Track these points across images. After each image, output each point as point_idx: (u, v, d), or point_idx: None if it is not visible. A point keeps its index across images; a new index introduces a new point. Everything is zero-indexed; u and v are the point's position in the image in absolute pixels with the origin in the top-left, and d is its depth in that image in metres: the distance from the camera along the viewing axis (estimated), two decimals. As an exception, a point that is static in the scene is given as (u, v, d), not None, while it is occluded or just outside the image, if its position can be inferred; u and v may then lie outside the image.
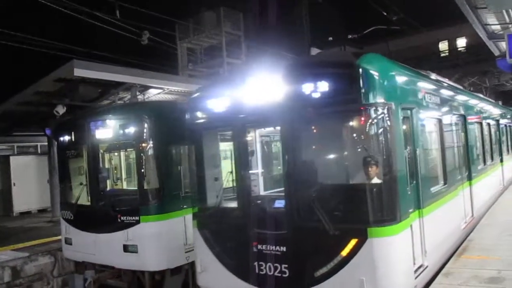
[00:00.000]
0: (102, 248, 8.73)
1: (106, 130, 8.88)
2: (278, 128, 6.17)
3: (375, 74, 5.51)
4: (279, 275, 5.94)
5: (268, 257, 6.03)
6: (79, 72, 13.62)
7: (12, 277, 10.65)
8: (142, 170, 8.52)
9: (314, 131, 6.48)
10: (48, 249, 11.60)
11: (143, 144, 8.42)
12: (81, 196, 9.53)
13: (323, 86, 5.59)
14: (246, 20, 20.82)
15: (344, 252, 5.52)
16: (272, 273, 6.00)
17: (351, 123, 6.11)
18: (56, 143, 11.11)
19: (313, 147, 6.63)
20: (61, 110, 15.72)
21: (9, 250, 11.86)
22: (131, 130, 8.53)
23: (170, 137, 8.43)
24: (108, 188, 9.73)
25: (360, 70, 5.44)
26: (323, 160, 6.78)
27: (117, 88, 15.88)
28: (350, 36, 17.51)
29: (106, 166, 10.08)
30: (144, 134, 8.36)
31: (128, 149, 9.91)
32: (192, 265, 8.32)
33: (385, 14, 17.38)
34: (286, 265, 5.91)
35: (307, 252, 5.79)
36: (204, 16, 20.38)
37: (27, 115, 17.10)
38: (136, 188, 8.80)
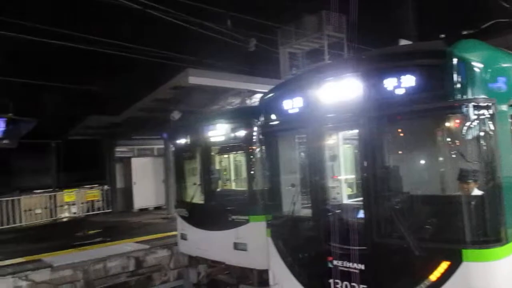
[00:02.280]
0: (214, 244, 8.82)
1: (218, 133, 9.01)
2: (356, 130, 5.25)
3: (474, 64, 4.33)
4: (357, 296, 5.04)
5: (345, 274, 5.15)
6: (193, 80, 14.14)
7: (135, 267, 11.20)
8: (252, 172, 8.51)
9: (398, 133, 5.40)
10: (165, 243, 11.97)
11: (252, 147, 8.38)
12: (195, 195, 9.77)
13: (408, 80, 4.58)
14: (349, 21, 19.66)
15: (433, 277, 4.43)
16: (349, 293, 5.11)
17: (443, 124, 4.95)
18: (172, 146, 11.55)
19: (397, 151, 5.55)
20: (176, 115, 16.44)
21: (133, 242, 12.50)
22: (241, 133, 8.53)
23: None
24: (219, 189, 9.92)
25: (454, 59, 4.32)
26: (409, 167, 5.65)
27: (227, 93, 16.14)
28: (465, 32, 15.44)
29: (218, 167, 10.27)
30: (253, 137, 8.31)
31: (238, 152, 9.97)
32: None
33: (506, 6, 15.04)
34: (365, 286, 4.98)
35: (389, 272, 4.80)
36: (306, 20, 19.77)
37: (146, 120, 18.12)
38: (246, 189, 8.85)
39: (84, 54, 20.25)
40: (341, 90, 5.18)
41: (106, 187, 20.55)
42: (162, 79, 16.22)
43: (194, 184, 9.93)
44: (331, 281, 5.27)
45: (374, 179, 4.95)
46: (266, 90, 6.73)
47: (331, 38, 19.87)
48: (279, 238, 6.02)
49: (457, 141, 4.53)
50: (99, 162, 22.22)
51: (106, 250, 11.59)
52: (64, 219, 18.95)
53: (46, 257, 10.78)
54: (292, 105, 5.72)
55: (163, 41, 20.78)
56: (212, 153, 9.80)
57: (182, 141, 10.19)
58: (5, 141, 13.14)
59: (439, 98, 4.38)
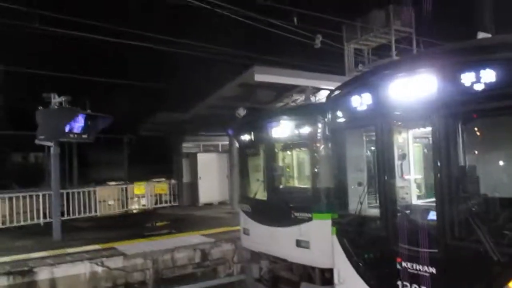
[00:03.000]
0: (276, 241, 8.80)
1: (282, 130, 8.99)
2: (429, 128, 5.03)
3: None
4: (427, 300, 4.84)
5: (414, 277, 4.97)
6: (259, 77, 14.30)
7: (201, 259, 11.55)
8: (316, 169, 8.41)
9: (475, 132, 5.10)
10: (230, 237, 12.21)
11: (317, 144, 8.25)
12: (258, 191, 9.84)
13: (487, 75, 4.31)
14: (418, 15, 18.87)
15: (512, 284, 4.17)
16: (418, 296, 4.93)
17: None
18: (237, 142, 11.58)
19: (475, 151, 5.24)
20: (242, 112, 16.67)
21: (199, 235, 12.92)
22: (306, 130, 8.43)
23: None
24: (282, 185, 9.90)
25: (540, 53, 4.02)
26: (487, 168, 5.32)
27: (291, 90, 16.14)
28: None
29: (281, 164, 10.23)
30: (318, 134, 8.17)
31: (301, 149, 9.82)
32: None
33: None
34: (436, 290, 4.78)
35: (462, 277, 4.56)
36: (372, 15, 19.18)
37: (212, 117, 18.55)
38: (309, 186, 8.78)
39: (155, 54, 21.14)
40: (413, 86, 4.98)
41: (173, 181, 21.29)
42: (229, 77, 16.54)
43: (258, 180, 9.97)
44: (399, 283, 5.10)
45: (448, 179, 4.72)
46: (331, 87, 6.63)
47: (398, 33, 19.17)
48: (344, 236, 5.93)
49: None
50: (167, 157, 23.06)
51: (173, 241, 12.03)
52: (134, 211, 19.89)
53: (119, 246, 11.40)
54: (361, 101, 5.59)
55: (230, 39, 21.17)
56: (276, 150, 9.75)
57: (246, 137, 10.23)
58: (84, 136, 14.01)
59: (522, 95, 4.08)
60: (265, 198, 9.47)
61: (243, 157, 10.75)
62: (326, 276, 7.84)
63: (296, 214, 8.31)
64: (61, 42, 21.55)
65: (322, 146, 8.09)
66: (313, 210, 8.01)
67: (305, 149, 9.39)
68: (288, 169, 10.68)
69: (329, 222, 7.42)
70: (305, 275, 8.40)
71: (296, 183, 10.51)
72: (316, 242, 7.89)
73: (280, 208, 8.79)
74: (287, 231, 8.44)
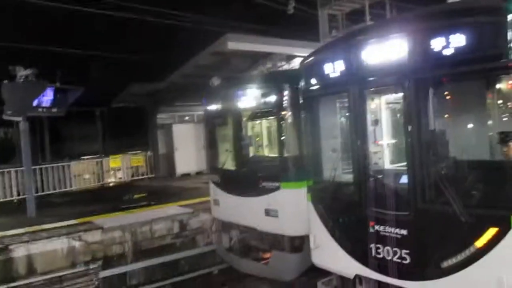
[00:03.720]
0: (245, 211, 8.84)
1: (249, 98, 8.84)
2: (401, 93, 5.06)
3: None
4: (399, 261, 4.99)
5: (386, 240, 5.11)
6: (232, 45, 14.01)
7: (180, 229, 11.45)
8: (282, 138, 8.33)
9: (445, 96, 5.17)
10: (207, 207, 12.07)
11: (284, 112, 8.14)
12: (227, 161, 9.74)
13: (457, 40, 4.33)
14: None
15: (480, 243, 4.33)
16: (390, 258, 5.07)
17: (494, 86, 4.69)
18: (204, 111, 11.26)
19: (444, 115, 5.33)
20: (216, 81, 16.43)
21: (176, 206, 12.85)
22: (272, 98, 8.28)
23: None
24: (251, 155, 9.81)
25: (510, 16, 4.04)
26: (456, 132, 5.43)
27: (266, 58, 15.93)
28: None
29: (249, 133, 10.12)
30: (285, 102, 8.05)
31: (269, 118, 9.70)
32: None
33: None
34: (407, 251, 4.93)
35: (433, 238, 4.71)
36: (346, -21, 18.91)
37: (187, 87, 18.23)
38: (277, 155, 8.70)
39: (125, 23, 20.50)
40: (385, 51, 4.98)
41: (149, 153, 21.09)
42: (204, 46, 16.20)
43: (226, 150, 9.84)
44: (372, 245, 5.25)
45: (418, 144, 4.81)
46: (306, 54, 6.55)
47: (373, -3, 18.96)
48: (320, 202, 6.02)
49: (509, 104, 4.30)
50: (142, 129, 22.73)
51: (151, 213, 12.00)
52: (111, 184, 19.71)
53: (96, 220, 11.32)
54: (333, 68, 5.58)
55: (203, 7, 20.65)
56: (244, 119, 9.61)
57: (213, 106, 10.05)
58: (54, 110, 13.62)
59: (493, 58, 4.13)
60: (234, 168, 9.40)
61: (211, 127, 10.57)
62: (296, 243, 7.98)
63: (264, 183, 8.31)
64: (29, 13, 20.63)
65: (289, 114, 8.01)
66: (281, 179, 8.02)
67: (272, 117, 9.26)
68: (256, 138, 10.62)
69: (297, 191, 7.61)
70: (275, 243, 8.47)
71: (264, 153, 10.48)
72: (285, 210, 7.97)
73: (249, 178, 8.78)
74: (256, 200, 8.45)
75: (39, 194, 15.59)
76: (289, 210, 7.93)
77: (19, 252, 9.27)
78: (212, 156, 10.74)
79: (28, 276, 9.23)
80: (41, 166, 17.01)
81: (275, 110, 8.47)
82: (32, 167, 13.54)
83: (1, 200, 15.14)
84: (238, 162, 9.29)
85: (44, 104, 13.22)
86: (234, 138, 9.41)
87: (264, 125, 10.62)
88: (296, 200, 7.81)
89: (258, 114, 9.64)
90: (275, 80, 8.78)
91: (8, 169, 15.52)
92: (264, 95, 8.46)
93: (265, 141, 10.73)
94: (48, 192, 16.62)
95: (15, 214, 13.01)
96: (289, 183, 7.89)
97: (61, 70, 17.78)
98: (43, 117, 20.61)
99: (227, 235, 9.59)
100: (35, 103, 12.88)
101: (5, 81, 12.55)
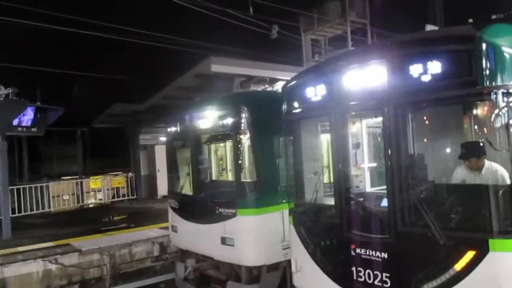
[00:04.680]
0: (201, 238, 8.47)
1: (206, 121, 8.55)
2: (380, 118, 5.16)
3: (504, 49, 4.18)
4: (379, 284, 5.00)
5: (367, 263, 5.12)
6: (215, 68, 14.12)
7: (160, 252, 11.45)
8: (240, 162, 8.11)
9: (424, 121, 5.29)
10: None
11: (241, 136, 7.96)
12: (185, 186, 9.37)
13: (435, 66, 4.46)
14: (373, 6, 19.30)
15: (458, 266, 4.36)
16: (371, 281, 5.06)
17: (471, 111, 4.83)
18: (164, 134, 11.09)
19: (423, 139, 5.44)
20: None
21: (157, 228, 12.74)
22: (229, 121, 8.05)
23: (269, 128, 7.72)
24: (208, 179, 9.42)
25: (483, 44, 4.18)
26: (434, 156, 5.55)
27: (249, 81, 16.08)
28: (494, 17, 14.82)
29: (207, 157, 9.74)
30: (242, 125, 7.85)
31: (227, 141, 9.45)
32: (290, 262, 7.54)
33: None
34: (388, 274, 4.93)
35: (413, 261, 4.73)
36: (329, 6, 19.44)
37: (168, 108, 18.21)
38: (233, 180, 8.41)
39: (108, 44, 20.54)
40: (365, 77, 5.09)
41: (130, 174, 20.88)
42: (186, 67, 16.29)
43: (185, 174, 9.45)
44: (353, 269, 5.25)
45: (398, 167, 4.87)
46: (288, 78, 6.63)
47: (354, 24, 19.54)
48: (301, 225, 6.01)
49: (485, 129, 4.42)
50: (124, 149, 22.54)
51: (131, 235, 11.84)
52: (91, 205, 19.41)
53: (74, 242, 11.09)
54: (315, 92, 5.66)
55: (186, 29, 20.86)
56: (201, 142, 9.30)
57: (172, 129, 9.75)
58: (33, 129, 13.45)
59: (468, 85, 4.26)
60: (191, 193, 9.03)
61: (171, 150, 10.26)
62: (253, 274, 7.75)
63: (221, 210, 8.00)
64: (12, 32, 20.56)
65: (246, 138, 7.84)
66: (237, 206, 7.74)
67: (228, 141, 9.00)
68: (215, 162, 10.35)
69: (255, 218, 7.56)
70: (232, 273, 8.15)
71: (222, 177, 10.18)
72: (241, 239, 7.69)
73: (205, 204, 8.44)
74: (212, 227, 8.13)
75: (16, 215, 15.22)
76: (246, 238, 7.66)
77: (-8, 275, 8.99)
78: (171, 180, 10.40)
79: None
80: (18, 186, 16.67)
81: (231, 133, 8.24)
82: (9, 187, 13.24)
83: (-24, 221, 14.69)
84: (195, 187, 8.91)
85: (24, 124, 13.06)
86: (192, 162, 9.01)
87: (222, 149, 10.35)
88: (253, 228, 7.66)
89: (216, 137, 9.37)
90: (231, 103, 8.56)
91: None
92: (220, 117, 8.23)
93: (223, 166, 10.43)
94: (25, 213, 16.25)
95: (-11, 236, 12.65)
96: (246, 210, 7.64)
97: (41, 90, 17.64)
98: (22, 136, 20.31)
99: (182, 264, 9.03)
100: (14, 122, 12.70)
101: (-16, 100, 12.38)
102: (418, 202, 4.74)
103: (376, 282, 5.03)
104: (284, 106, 6.17)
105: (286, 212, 7.28)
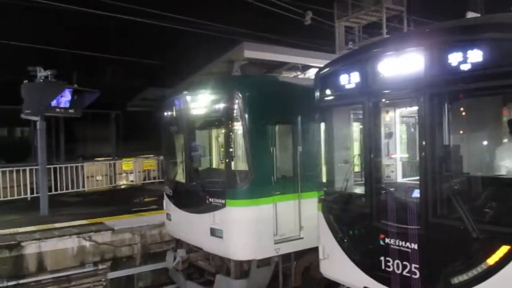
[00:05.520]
0: (192, 228, 8.15)
1: (198, 106, 8.13)
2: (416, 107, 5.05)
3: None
4: (408, 275, 4.95)
5: (396, 253, 5.08)
6: (248, 54, 14.08)
7: None
8: (231, 150, 7.65)
9: (461, 111, 5.15)
10: None
11: (233, 122, 7.53)
12: (179, 173, 9.00)
13: (475, 55, 4.32)
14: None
15: (491, 260, 4.27)
16: (400, 271, 5.03)
17: (511, 102, 4.67)
18: (159, 118, 10.26)
19: (459, 130, 5.30)
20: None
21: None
22: (221, 106, 7.64)
23: (264, 115, 7.47)
24: (201, 167, 9.01)
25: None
26: (471, 147, 5.40)
27: (281, 67, 15.99)
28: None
29: (201, 144, 9.18)
30: (234, 111, 7.41)
31: (219, 128, 8.79)
32: (282, 258, 7.60)
33: None
34: (417, 266, 4.89)
35: (444, 254, 4.67)
36: (364, -8, 19.03)
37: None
38: (223, 169, 8.03)
39: (144, 28, 20.79)
40: (401, 65, 4.98)
41: (161, 157, 21.21)
42: (217, 53, 16.33)
43: (179, 161, 9.10)
44: (381, 258, 5.22)
45: (432, 158, 4.78)
46: (321, 65, 6.53)
47: (390, 11, 19.03)
48: (330, 213, 6.00)
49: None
50: (155, 133, 22.87)
51: (161, 217, 12.05)
52: (122, 186, 19.87)
53: (107, 221, 11.42)
54: (348, 79, 5.59)
55: (220, 15, 20.86)
56: (195, 128, 8.80)
57: (168, 113, 9.32)
58: (70, 111, 13.84)
59: (508, 75, 4.11)
60: (184, 181, 8.64)
61: (166, 136, 9.73)
62: (242, 268, 7.40)
63: (211, 199, 7.62)
64: (50, 15, 21.07)
65: (240, 124, 7.40)
66: (227, 196, 7.32)
67: (220, 127, 8.46)
68: (208, 150, 9.85)
69: (245, 209, 7.19)
70: (223, 266, 7.78)
71: (214, 166, 9.65)
72: (230, 231, 7.30)
73: (196, 193, 8.05)
74: (202, 217, 7.76)
75: (52, 193, 15.78)
76: (235, 230, 7.28)
77: (30, 249, 9.40)
78: (166, 166, 10.04)
79: (38, 273, 9.34)
80: (55, 165, 17.24)
81: (223, 119, 7.81)
82: (46, 167, 13.73)
83: (16, 197, 15.36)
84: (188, 175, 8.52)
85: (62, 105, 13.45)
86: (185, 148, 8.64)
87: (215, 136, 9.77)
88: (242, 220, 7.27)
89: (209, 123, 8.80)
90: (224, 87, 8.09)
91: (23, 167, 15.76)
92: (213, 102, 7.83)
93: (215, 153, 9.82)
94: (61, 192, 16.83)
95: (28, 211, 13.21)
96: (235, 201, 7.26)
97: (78, 73, 18.08)
98: (59, 117, 20.92)
99: (172, 253, 8.71)
100: (53, 103, 13.10)
101: (25, 81, 12.81)
102: (452, 193, 4.65)
103: (404, 273, 4.98)
104: (317, 93, 6.11)
105: (280, 204, 7.25)
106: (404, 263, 4.99)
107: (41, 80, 12.82)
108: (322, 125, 6.21)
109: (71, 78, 16.30)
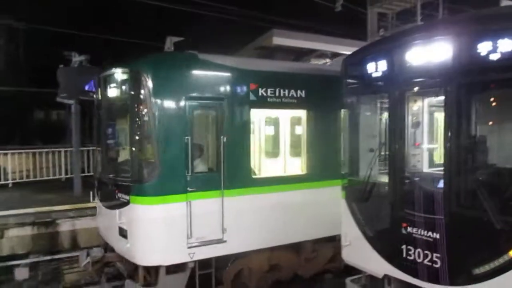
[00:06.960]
0: (107, 225, 7.31)
1: (110, 87, 7.32)
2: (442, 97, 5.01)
3: None
4: (429, 264, 4.98)
5: (418, 242, 5.11)
6: (277, 41, 14.06)
7: None
8: (137, 138, 6.66)
9: (489, 102, 5.07)
10: None
11: (138, 106, 6.52)
12: (99, 163, 8.06)
13: (505, 45, 4.26)
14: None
15: (514, 252, 4.28)
16: (421, 260, 5.06)
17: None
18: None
19: (486, 121, 5.23)
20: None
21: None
22: (126, 87, 6.83)
23: (177, 98, 6.45)
24: (117, 157, 7.86)
25: None
26: (498, 139, 5.32)
27: (309, 55, 15.90)
28: None
29: (122, 131, 7.79)
30: (139, 93, 6.40)
31: (126, 112, 7.36)
32: (199, 264, 6.80)
33: None
34: (439, 255, 4.91)
35: (466, 244, 4.68)
36: (399, -22, 18.53)
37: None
38: (128, 160, 7.01)
39: (179, 14, 21.02)
40: (429, 53, 4.94)
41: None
42: (247, 40, 16.36)
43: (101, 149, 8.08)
44: (403, 247, 5.26)
45: (458, 148, 4.76)
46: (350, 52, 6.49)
47: (425, -3, 18.51)
48: (353, 200, 6.06)
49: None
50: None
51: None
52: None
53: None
54: (376, 67, 5.58)
55: (249, 1, 20.85)
56: (109, 113, 7.79)
57: (94, 95, 8.48)
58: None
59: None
60: (103, 172, 7.83)
61: (95, 119, 8.58)
62: (149, 275, 6.64)
63: (119, 194, 6.72)
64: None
65: (146, 109, 6.40)
66: (131, 192, 6.41)
67: (127, 112, 7.22)
68: (126, 137, 8.25)
69: (152, 208, 6.28)
70: (136, 270, 6.83)
71: (127, 156, 8.03)
72: (134, 232, 6.40)
73: (108, 186, 7.23)
74: (112, 214, 6.89)
75: (85, 174, 16.36)
76: (140, 232, 6.36)
77: (65, 226, 9.87)
78: (96, 153, 8.95)
79: (72, 249, 9.81)
80: (88, 148, 17.81)
81: (128, 103, 6.86)
82: (80, 149, 14.23)
83: (51, 177, 16.02)
84: (103, 166, 7.75)
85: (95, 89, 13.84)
86: (102, 135, 7.78)
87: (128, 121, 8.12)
88: (147, 220, 6.35)
89: (119, 108, 7.63)
90: (129, 65, 6.93)
91: (58, 149, 16.37)
92: (119, 83, 7.03)
93: (129, 142, 7.88)
94: (92, 174, 17.38)
95: (62, 191, 13.78)
96: (139, 198, 6.33)
97: (110, 58, 18.45)
98: (93, 101, 21.52)
99: (85, 252, 7.50)
100: (87, 87, 13.52)
101: (61, 66, 13.27)
102: (476, 184, 4.64)
103: (425, 262, 5.02)
104: (344, 80, 6.13)
105: (196, 202, 6.40)
106: (426, 252, 5.02)
107: (75, 65, 13.23)
108: (346, 113, 6.24)
109: (102, 63, 16.72)
